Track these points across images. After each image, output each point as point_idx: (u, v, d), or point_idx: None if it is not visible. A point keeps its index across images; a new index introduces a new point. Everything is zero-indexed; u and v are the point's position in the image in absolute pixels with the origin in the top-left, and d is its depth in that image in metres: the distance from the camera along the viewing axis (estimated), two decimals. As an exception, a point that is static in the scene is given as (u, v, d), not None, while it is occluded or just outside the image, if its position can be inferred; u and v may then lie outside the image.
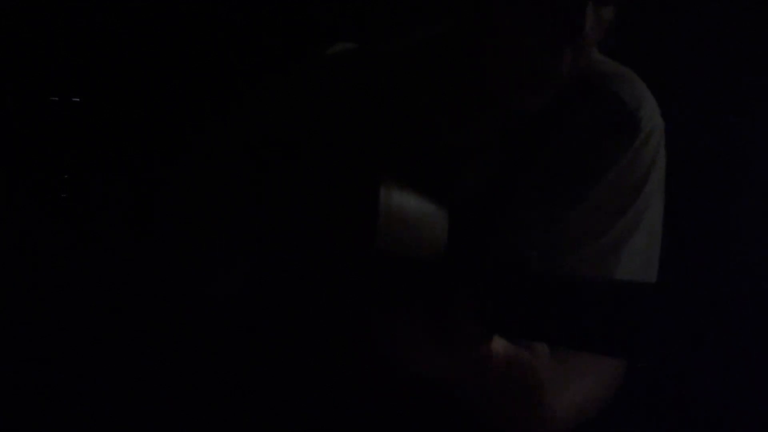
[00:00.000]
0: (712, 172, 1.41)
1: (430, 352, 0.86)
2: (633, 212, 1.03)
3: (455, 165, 1.06)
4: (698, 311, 0.69)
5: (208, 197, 1.07)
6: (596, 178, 1.02)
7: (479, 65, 0.99)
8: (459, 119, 1.07)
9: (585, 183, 1.02)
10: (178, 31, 1.59)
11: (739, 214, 1.40)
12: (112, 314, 1.39)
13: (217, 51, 1.57)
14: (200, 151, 1.13)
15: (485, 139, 1.06)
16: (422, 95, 1.07)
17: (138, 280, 1.23)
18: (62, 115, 1.59)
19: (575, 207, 1.02)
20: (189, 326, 1.06)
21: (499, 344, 0.88)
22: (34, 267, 1.51)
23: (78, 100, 1.59)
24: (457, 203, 0.94)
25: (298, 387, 1.04)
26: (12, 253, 1.51)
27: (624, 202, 1.03)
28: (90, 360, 1.40)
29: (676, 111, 1.10)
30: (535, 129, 1.05)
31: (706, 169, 1.40)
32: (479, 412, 0.96)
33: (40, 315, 1.47)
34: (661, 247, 1.06)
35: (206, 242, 1.04)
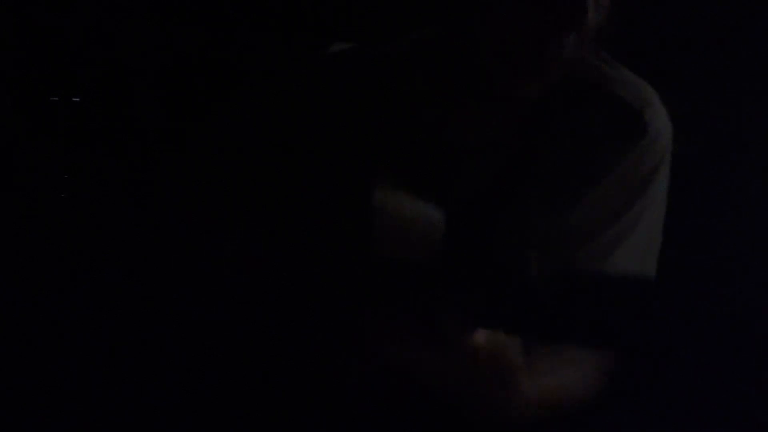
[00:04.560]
0: (711, 173, 1.41)
1: (421, 350, 0.87)
2: (632, 215, 1.03)
3: (455, 165, 1.06)
4: (690, 310, 0.70)
5: (206, 197, 1.07)
6: (596, 181, 1.02)
7: (481, 53, 0.98)
8: (456, 119, 1.07)
9: (585, 185, 1.02)
10: (178, 30, 1.59)
11: (737, 215, 1.39)
12: (111, 314, 1.39)
13: (216, 51, 1.57)
14: (198, 151, 1.13)
15: (486, 139, 1.06)
16: (420, 95, 1.07)
17: (137, 280, 1.23)
18: (62, 115, 1.59)
19: (575, 208, 1.02)
20: (187, 327, 1.06)
21: (483, 339, 0.89)
22: (34, 267, 1.51)
23: (78, 100, 1.59)
24: (456, 203, 0.94)
25: (293, 387, 1.04)
26: (12, 253, 1.51)
27: (623, 205, 1.03)
28: (90, 359, 1.40)
29: (675, 112, 1.10)
30: (538, 131, 1.05)
31: (704, 170, 1.40)
32: (457, 400, 0.97)
33: (40, 315, 1.47)
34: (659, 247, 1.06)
35: (205, 239, 1.04)
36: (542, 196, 1.03)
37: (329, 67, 1.12)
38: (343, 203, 0.89)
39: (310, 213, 0.91)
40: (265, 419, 1.05)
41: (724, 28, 1.41)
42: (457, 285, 0.82)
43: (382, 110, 1.06)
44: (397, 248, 0.87)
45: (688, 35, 1.43)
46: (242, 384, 1.05)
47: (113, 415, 1.26)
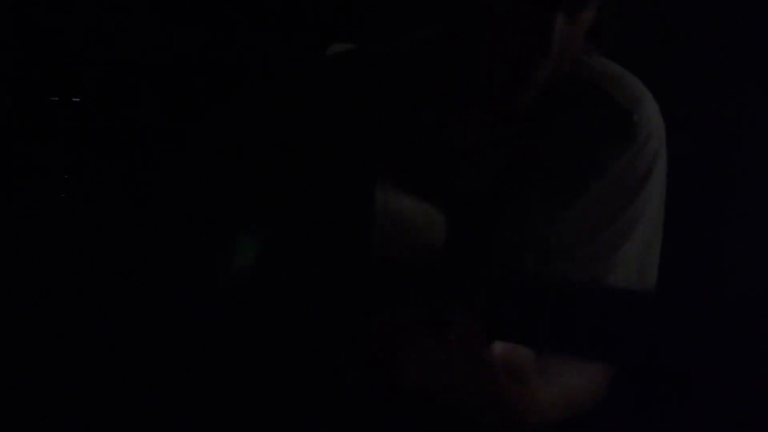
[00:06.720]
0: (710, 174, 1.41)
1: (425, 353, 0.87)
2: (629, 216, 1.03)
3: (454, 166, 1.06)
4: (691, 318, 0.70)
5: (206, 197, 1.07)
6: (592, 181, 1.03)
7: (480, 54, 0.98)
8: (456, 119, 1.07)
9: (582, 185, 1.03)
10: (178, 30, 1.59)
11: (737, 217, 1.39)
12: (111, 314, 1.39)
13: (216, 51, 1.57)
14: (199, 151, 1.13)
15: (485, 139, 1.06)
16: (420, 95, 1.07)
17: (138, 280, 1.23)
18: (62, 115, 1.59)
19: (571, 210, 1.02)
20: (188, 328, 1.06)
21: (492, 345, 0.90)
22: (35, 267, 1.51)
23: (78, 100, 1.59)
24: (456, 203, 0.94)
25: (294, 387, 1.04)
26: (12, 253, 1.51)
27: (619, 206, 1.03)
28: (90, 359, 1.40)
29: (675, 111, 1.10)
30: (534, 131, 1.05)
31: (704, 170, 1.40)
32: (465, 407, 0.97)
33: (41, 316, 1.47)
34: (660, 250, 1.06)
35: (208, 238, 1.04)
36: (541, 196, 1.03)
37: (329, 67, 1.12)
38: (343, 203, 0.89)
39: (310, 213, 0.91)
40: (266, 420, 1.05)
41: (724, 28, 1.41)
42: (458, 285, 0.82)
43: (383, 110, 1.06)
44: (397, 248, 0.87)
45: (688, 35, 1.43)
46: (243, 385, 1.05)
47: (113, 415, 1.26)
